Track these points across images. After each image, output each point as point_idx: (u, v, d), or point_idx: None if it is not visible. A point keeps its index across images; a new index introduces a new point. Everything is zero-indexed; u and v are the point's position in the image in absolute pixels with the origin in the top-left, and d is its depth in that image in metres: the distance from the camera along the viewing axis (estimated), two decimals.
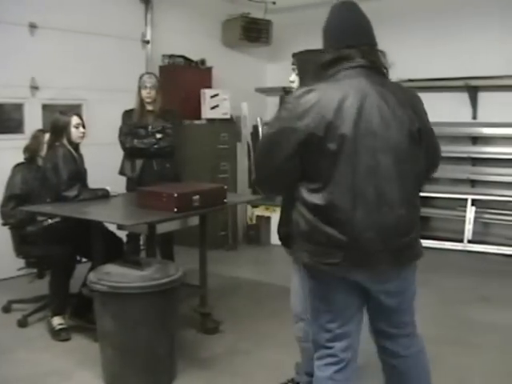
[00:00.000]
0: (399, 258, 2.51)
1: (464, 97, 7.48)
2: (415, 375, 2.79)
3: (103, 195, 4.87)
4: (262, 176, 2.67)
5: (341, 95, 2.43)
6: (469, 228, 7.26)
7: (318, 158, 2.43)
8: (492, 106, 7.35)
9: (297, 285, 3.54)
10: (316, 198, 2.45)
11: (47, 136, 4.86)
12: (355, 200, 2.40)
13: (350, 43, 2.58)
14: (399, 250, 2.49)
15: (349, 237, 2.42)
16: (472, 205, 7.33)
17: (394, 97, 2.50)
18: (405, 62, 7.69)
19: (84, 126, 4.89)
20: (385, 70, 2.64)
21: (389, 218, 2.44)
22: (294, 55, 3.44)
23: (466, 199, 7.35)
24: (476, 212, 7.33)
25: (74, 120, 4.80)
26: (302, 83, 3.27)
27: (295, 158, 2.47)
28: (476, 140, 7.59)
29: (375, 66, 2.60)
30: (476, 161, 7.56)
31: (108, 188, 4.95)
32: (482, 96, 7.47)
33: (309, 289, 2.71)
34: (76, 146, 4.83)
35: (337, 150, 2.38)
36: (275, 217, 7.62)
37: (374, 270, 2.48)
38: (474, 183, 7.58)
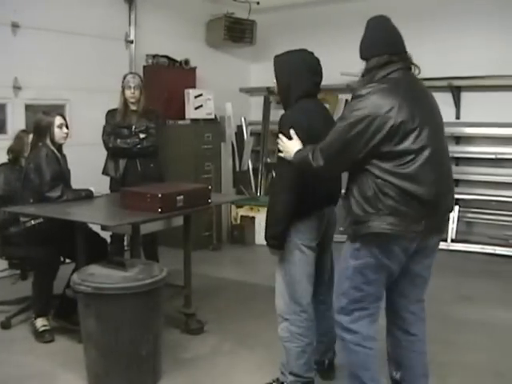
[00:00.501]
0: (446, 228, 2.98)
1: (447, 97, 7.51)
2: (420, 352, 3.23)
3: (87, 196, 4.84)
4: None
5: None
6: (452, 227, 7.29)
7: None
8: (475, 106, 7.40)
9: (281, 285, 3.56)
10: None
11: (31, 136, 4.82)
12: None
13: (393, 51, 3.04)
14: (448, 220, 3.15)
15: (431, 207, 2.88)
16: (456, 204, 7.37)
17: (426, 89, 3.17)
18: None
19: (67, 127, 4.86)
20: (417, 71, 3.21)
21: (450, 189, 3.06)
22: (274, 58, 3.56)
23: None
24: (459, 211, 7.37)
25: (58, 120, 4.77)
26: (280, 84, 3.49)
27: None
28: (459, 140, 7.63)
29: (410, 67, 3.14)
30: (459, 160, 7.60)
31: (92, 189, 4.93)
32: (465, 96, 7.52)
33: (364, 263, 2.98)
34: (59, 147, 4.80)
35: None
36: (260, 217, 7.65)
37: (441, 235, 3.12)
38: (457, 182, 7.60)
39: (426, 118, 2.93)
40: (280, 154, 3.31)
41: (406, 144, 2.82)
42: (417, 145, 2.84)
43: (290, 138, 3.23)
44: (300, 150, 3.14)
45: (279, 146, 3.31)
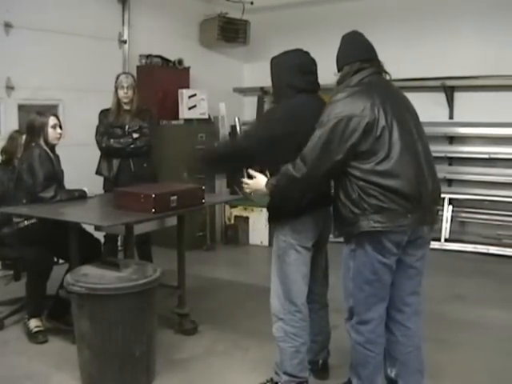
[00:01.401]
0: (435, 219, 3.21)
1: (440, 97, 7.53)
2: (416, 347, 3.29)
3: (80, 196, 4.83)
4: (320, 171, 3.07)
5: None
6: (446, 227, 7.31)
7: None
8: (468, 105, 7.41)
9: (276, 285, 3.56)
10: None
11: (24, 137, 4.81)
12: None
13: (364, 58, 3.24)
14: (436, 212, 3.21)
15: (414, 199, 2.98)
16: (449, 204, 7.39)
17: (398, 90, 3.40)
18: (382, 62, 7.75)
19: (61, 127, 4.85)
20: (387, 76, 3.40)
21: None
22: (271, 60, 3.60)
23: (443, 198, 7.39)
24: (453, 211, 7.39)
25: (52, 120, 4.76)
26: (275, 84, 3.54)
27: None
28: (452, 139, 7.64)
29: (381, 73, 3.34)
30: (452, 160, 7.62)
31: (85, 189, 4.91)
32: (459, 96, 7.53)
33: (361, 262, 3.08)
34: (52, 147, 4.79)
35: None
36: (253, 217, 7.66)
37: (432, 226, 3.18)
38: (450, 182, 7.63)
39: (399, 115, 3.09)
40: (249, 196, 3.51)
41: (381, 141, 2.97)
42: (392, 141, 2.98)
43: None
44: (272, 178, 3.28)
45: (246, 190, 3.49)
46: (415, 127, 3.17)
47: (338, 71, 3.24)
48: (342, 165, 3.01)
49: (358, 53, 3.24)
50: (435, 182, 3.15)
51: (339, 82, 3.18)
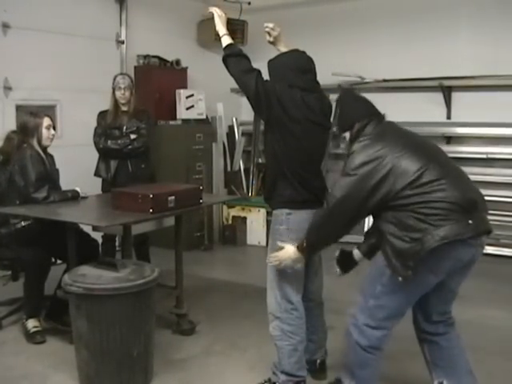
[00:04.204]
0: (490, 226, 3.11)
1: (438, 97, 7.54)
2: (461, 348, 3.35)
3: (73, 196, 4.81)
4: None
5: None
6: None
7: None
8: (466, 105, 7.41)
9: (272, 283, 3.57)
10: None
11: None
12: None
13: (370, 113, 3.27)
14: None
15: (470, 206, 2.96)
16: None
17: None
18: (379, 62, 7.78)
19: (54, 128, 4.85)
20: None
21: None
22: (268, 62, 3.62)
23: None
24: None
25: (46, 121, 4.76)
26: (272, 82, 3.50)
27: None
28: (450, 139, 7.64)
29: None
30: None
31: (78, 189, 4.90)
32: (456, 96, 7.53)
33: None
34: (45, 148, 4.79)
35: None
36: (251, 217, 7.68)
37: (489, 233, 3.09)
38: None
39: (417, 140, 3.18)
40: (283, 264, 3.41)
41: (410, 168, 2.95)
42: (417, 167, 2.95)
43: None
44: (308, 236, 3.26)
45: (274, 263, 3.42)
46: (436, 149, 3.22)
47: (346, 130, 3.23)
48: (380, 205, 2.99)
49: (364, 108, 3.28)
50: (476, 188, 3.13)
51: (353, 140, 3.18)
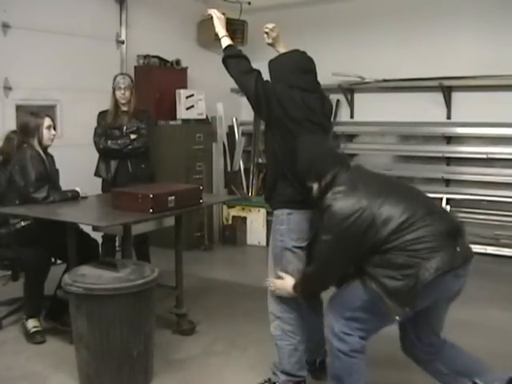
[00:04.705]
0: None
1: (438, 97, 7.54)
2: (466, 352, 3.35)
3: (73, 196, 4.81)
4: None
5: None
6: None
7: None
8: (466, 105, 7.41)
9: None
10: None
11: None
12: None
13: (337, 161, 3.26)
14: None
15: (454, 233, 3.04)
16: (446, 204, 7.38)
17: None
18: (380, 62, 7.78)
19: (55, 128, 4.85)
20: None
21: None
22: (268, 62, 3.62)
23: (441, 198, 7.40)
24: (451, 211, 7.38)
25: (47, 121, 4.76)
26: (273, 83, 3.51)
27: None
28: (450, 139, 7.65)
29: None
30: (450, 160, 7.63)
31: (78, 189, 4.89)
32: (456, 96, 7.53)
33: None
34: (45, 148, 4.79)
35: None
36: (251, 217, 7.68)
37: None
38: (448, 182, 7.64)
39: (389, 186, 3.18)
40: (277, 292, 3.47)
41: (392, 214, 2.94)
42: (399, 210, 2.94)
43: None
44: (299, 284, 3.30)
45: (271, 288, 3.50)
46: (409, 186, 3.33)
47: (314, 181, 3.18)
48: (367, 254, 2.98)
49: (332, 157, 3.26)
50: (453, 214, 3.25)
51: (323, 191, 3.13)
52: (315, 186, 3.17)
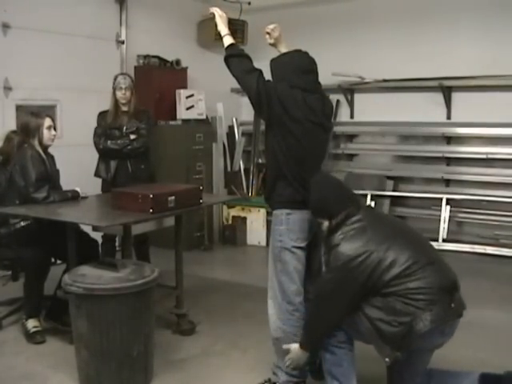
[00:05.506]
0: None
1: (438, 97, 7.54)
2: None
3: (73, 196, 4.81)
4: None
5: None
6: (444, 227, 7.31)
7: None
8: (466, 106, 7.41)
9: (274, 285, 3.57)
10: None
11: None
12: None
13: (351, 201, 3.34)
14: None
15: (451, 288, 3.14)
16: (446, 204, 7.38)
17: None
18: (380, 62, 7.78)
19: (55, 128, 4.85)
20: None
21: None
22: (270, 61, 3.63)
23: (441, 198, 7.40)
24: (450, 211, 7.39)
25: (47, 122, 4.76)
26: (274, 82, 3.51)
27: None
28: (450, 140, 7.65)
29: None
30: (450, 160, 7.63)
31: (78, 189, 4.90)
32: (456, 96, 7.53)
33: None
34: (45, 148, 4.79)
35: None
36: (251, 217, 7.68)
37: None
38: (448, 182, 7.64)
39: (397, 232, 3.22)
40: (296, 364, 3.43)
41: (395, 260, 3.00)
42: (404, 257, 3.01)
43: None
44: (304, 335, 3.30)
45: (291, 366, 3.43)
46: (416, 233, 3.35)
47: (325, 218, 3.25)
48: (368, 295, 3.04)
49: (345, 197, 3.31)
50: (450, 267, 3.22)
51: (333, 230, 3.19)
52: (325, 224, 3.24)
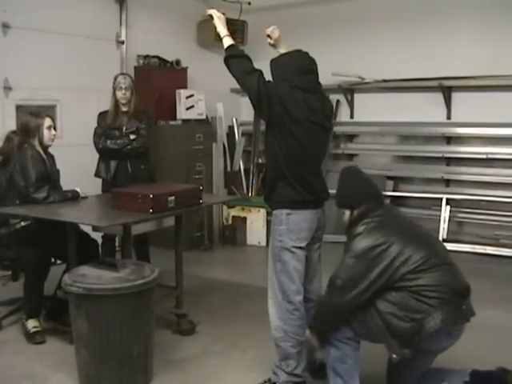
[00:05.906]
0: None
1: (438, 97, 7.54)
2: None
3: (73, 197, 4.81)
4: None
5: None
6: (444, 227, 7.32)
7: None
8: (466, 106, 7.41)
9: (274, 284, 3.57)
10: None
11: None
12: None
13: (374, 195, 3.44)
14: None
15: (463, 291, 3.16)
16: (446, 204, 7.38)
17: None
18: (380, 62, 7.78)
19: (55, 128, 4.85)
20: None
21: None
22: (270, 61, 3.62)
23: (441, 198, 7.41)
24: (450, 211, 7.39)
25: (47, 122, 4.76)
26: (274, 83, 3.51)
27: None
28: (450, 140, 7.65)
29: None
30: (450, 160, 7.63)
31: (78, 189, 4.90)
32: (456, 96, 7.53)
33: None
34: (45, 148, 4.79)
35: None
36: (251, 217, 7.68)
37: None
38: (448, 182, 7.64)
39: (415, 231, 3.30)
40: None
41: (413, 256, 3.06)
42: (419, 254, 3.07)
43: None
44: (315, 321, 3.34)
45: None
46: (433, 236, 3.45)
47: (348, 208, 3.34)
48: (382, 287, 3.07)
49: (370, 190, 3.39)
50: (463, 276, 3.24)
51: (355, 221, 3.27)
52: (347, 213, 3.32)
